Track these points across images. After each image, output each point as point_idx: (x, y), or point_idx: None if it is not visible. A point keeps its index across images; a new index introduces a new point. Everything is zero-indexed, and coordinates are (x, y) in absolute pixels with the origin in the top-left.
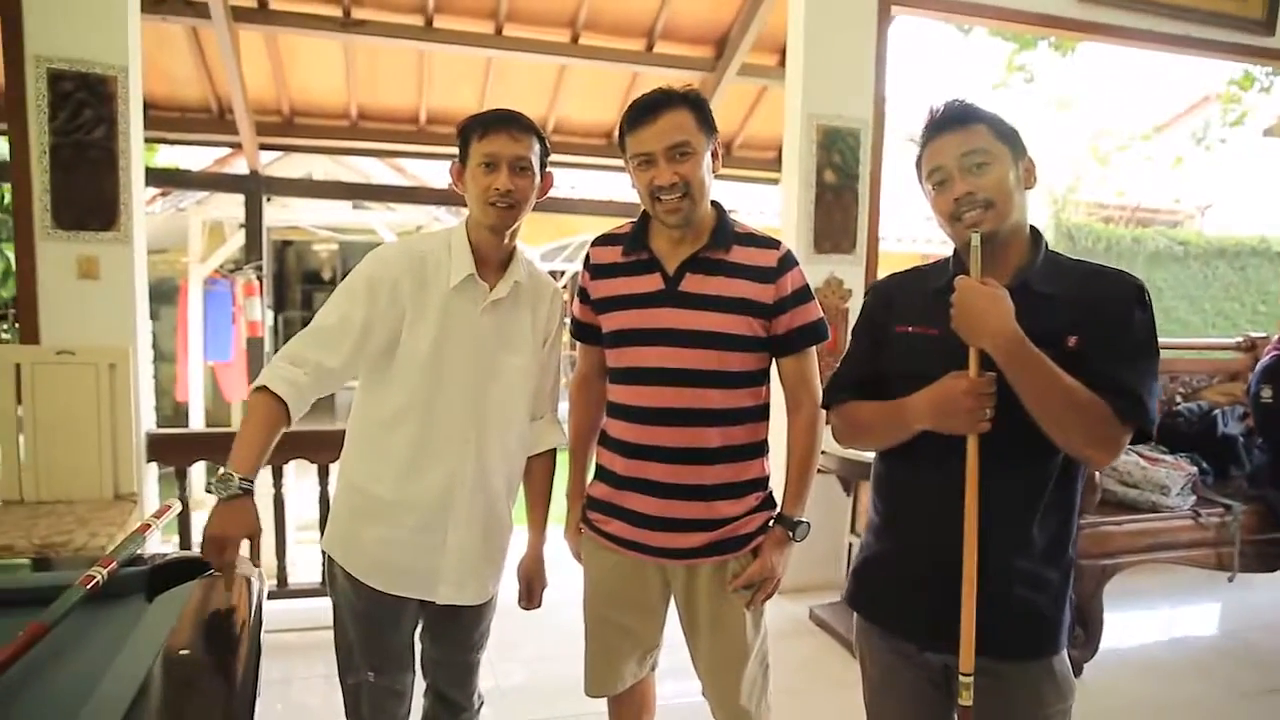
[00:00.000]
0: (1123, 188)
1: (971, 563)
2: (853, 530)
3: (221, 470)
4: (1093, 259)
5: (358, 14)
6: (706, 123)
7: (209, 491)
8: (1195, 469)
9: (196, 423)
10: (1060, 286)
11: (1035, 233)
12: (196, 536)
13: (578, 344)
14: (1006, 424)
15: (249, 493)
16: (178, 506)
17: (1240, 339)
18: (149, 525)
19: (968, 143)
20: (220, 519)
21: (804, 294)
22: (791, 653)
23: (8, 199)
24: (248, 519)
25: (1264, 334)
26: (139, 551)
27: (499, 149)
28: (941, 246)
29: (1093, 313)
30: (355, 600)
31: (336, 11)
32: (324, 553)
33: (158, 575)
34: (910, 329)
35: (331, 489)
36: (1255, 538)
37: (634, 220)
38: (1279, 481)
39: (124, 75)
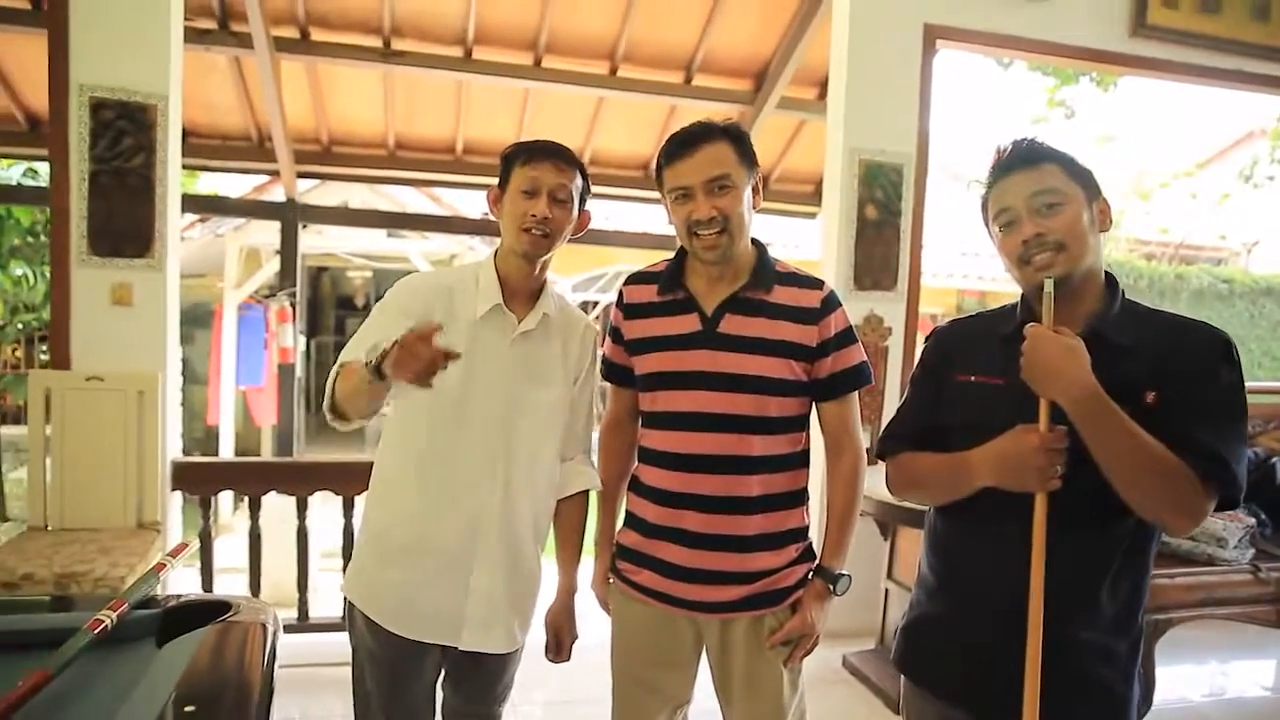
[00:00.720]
0: (1166, 224)
1: (1037, 630)
2: (889, 576)
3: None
4: (1134, 297)
5: (398, 45)
6: (747, 156)
7: (367, 365)
8: (1253, 520)
9: (226, 446)
10: (1138, 337)
11: (1110, 279)
12: (219, 565)
13: (609, 386)
14: (1077, 482)
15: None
16: (195, 544)
17: None
18: (164, 565)
19: (1037, 182)
20: (394, 353)
21: (848, 336)
22: (824, 702)
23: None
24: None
25: None
26: (152, 593)
27: (542, 175)
28: (979, 283)
29: (1174, 367)
30: (375, 647)
31: (377, 42)
32: (345, 598)
33: (170, 619)
34: (973, 378)
35: (356, 523)
36: None
37: (669, 258)
38: None
39: (164, 104)
